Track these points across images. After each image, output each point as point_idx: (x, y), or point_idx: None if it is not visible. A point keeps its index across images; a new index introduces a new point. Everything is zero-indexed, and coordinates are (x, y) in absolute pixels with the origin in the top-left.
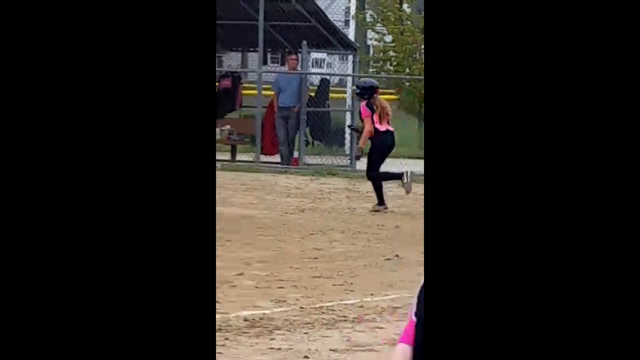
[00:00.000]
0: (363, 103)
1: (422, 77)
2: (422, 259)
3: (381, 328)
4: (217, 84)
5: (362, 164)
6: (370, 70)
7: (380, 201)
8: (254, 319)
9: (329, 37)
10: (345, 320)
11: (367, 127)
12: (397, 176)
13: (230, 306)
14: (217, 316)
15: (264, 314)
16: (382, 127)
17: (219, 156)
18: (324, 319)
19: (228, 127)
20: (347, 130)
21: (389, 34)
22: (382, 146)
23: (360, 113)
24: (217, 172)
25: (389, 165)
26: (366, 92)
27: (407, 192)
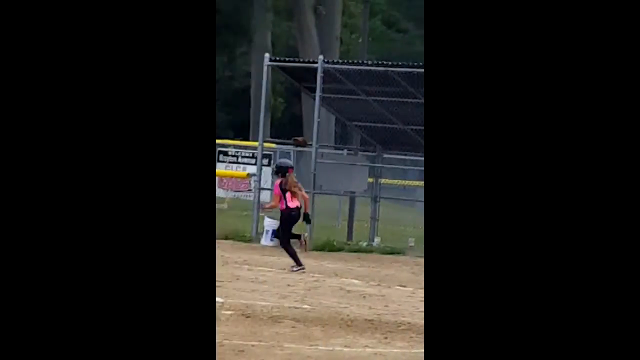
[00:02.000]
0: (277, 182)
1: None
2: None
3: None
4: None
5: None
6: None
7: (298, 262)
8: None
9: None
10: None
11: (274, 203)
12: (297, 236)
13: None
14: None
15: None
16: (291, 204)
17: None
18: None
19: None
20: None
21: None
22: (288, 220)
23: (273, 189)
24: None
25: None
26: (280, 171)
27: (301, 247)
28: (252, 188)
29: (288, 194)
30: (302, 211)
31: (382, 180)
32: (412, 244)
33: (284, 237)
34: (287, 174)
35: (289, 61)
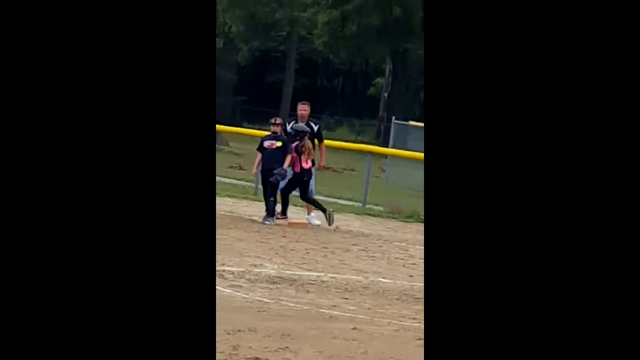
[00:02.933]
0: (294, 144)
1: None
2: None
3: None
4: None
5: None
6: None
7: (284, 212)
8: None
9: None
10: None
11: (288, 162)
12: (322, 209)
13: None
14: None
15: None
16: (305, 165)
17: None
18: None
19: None
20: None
21: None
22: (300, 181)
23: (290, 150)
24: None
25: None
26: (298, 135)
27: (329, 224)
28: None
29: (303, 157)
30: (314, 168)
31: None
32: None
33: (304, 192)
34: (305, 138)
35: None
